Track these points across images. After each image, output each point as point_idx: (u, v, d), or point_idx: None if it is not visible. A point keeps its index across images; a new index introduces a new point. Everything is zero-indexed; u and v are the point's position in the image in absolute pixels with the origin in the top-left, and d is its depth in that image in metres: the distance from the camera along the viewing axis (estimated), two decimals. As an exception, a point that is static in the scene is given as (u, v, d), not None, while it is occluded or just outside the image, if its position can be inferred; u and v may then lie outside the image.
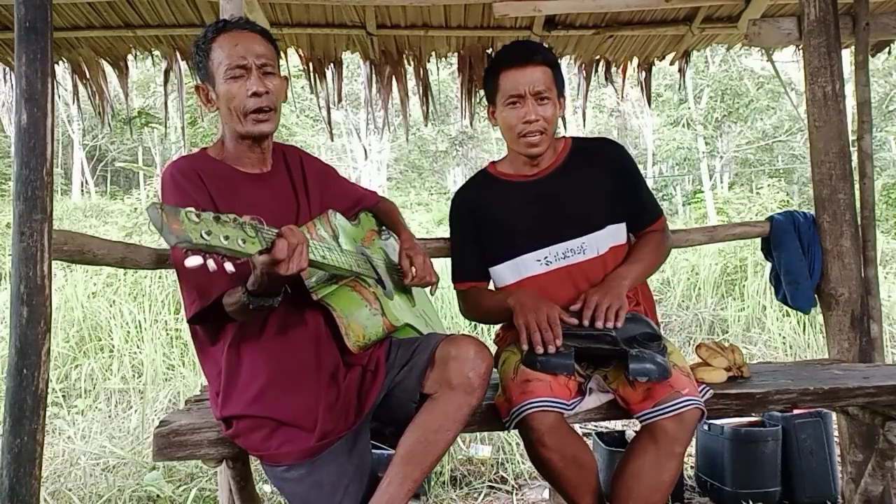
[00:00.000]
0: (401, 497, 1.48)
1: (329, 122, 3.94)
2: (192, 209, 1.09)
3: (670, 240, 2.02)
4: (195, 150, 1.68)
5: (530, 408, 1.59)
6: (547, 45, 3.60)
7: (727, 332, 5.30)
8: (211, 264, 1.13)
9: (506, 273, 1.91)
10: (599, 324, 1.66)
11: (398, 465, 1.49)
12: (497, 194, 1.94)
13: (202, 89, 1.58)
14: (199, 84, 1.59)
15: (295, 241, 1.25)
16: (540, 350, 1.63)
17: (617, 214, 1.90)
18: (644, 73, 3.92)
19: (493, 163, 2.04)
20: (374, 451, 1.64)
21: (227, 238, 1.11)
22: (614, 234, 1.90)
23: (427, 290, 1.86)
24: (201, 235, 1.08)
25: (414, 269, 1.70)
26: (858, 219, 2.48)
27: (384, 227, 1.87)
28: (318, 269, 1.52)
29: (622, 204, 1.91)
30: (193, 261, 1.10)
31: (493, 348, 1.90)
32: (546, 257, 1.87)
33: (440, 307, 4.99)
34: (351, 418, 1.54)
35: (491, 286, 2.02)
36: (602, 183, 1.89)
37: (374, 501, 1.47)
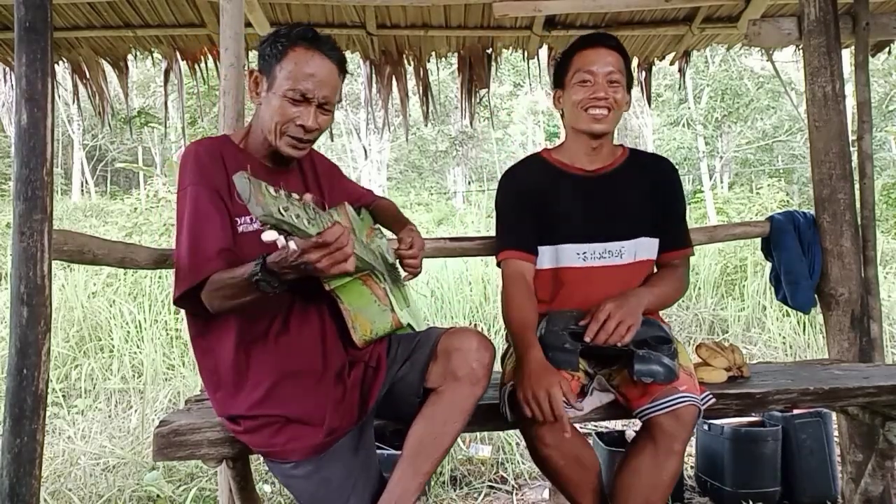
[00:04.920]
0: (413, 490, 1.49)
1: (329, 122, 3.93)
2: (269, 185, 1.09)
3: (688, 280, 1.99)
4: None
5: None
6: (549, 46, 3.65)
7: (727, 332, 5.29)
8: (281, 241, 1.12)
9: (543, 258, 1.89)
10: (602, 339, 1.62)
11: (409, 459, 1.50)
12: (551, 181, 1.91)
13: (257, 78, 1.54)
14: (257, 72, 1.55)
15: (345, 240, 1.18)
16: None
17: (655, 229, 1.90)
18: (644, 73, 3.92)
19: (548, 150, 2.00)
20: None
21: (297, 217, 1.12)
22: (649, 248, 1.90)
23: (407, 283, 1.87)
24: (279, 210, 1.09)
25: (412, 249, 1.70)
26: (858, 219, 2.48)
27: (378, 226, 1.87)
28: None
29: (662, 221, 1.91)
30: (270, 235, 1.10)
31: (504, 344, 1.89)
32: (585, 252, 1.85)
33: (439, 307, 5.01)
34: (355, 415, 1.55)
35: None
36: (650, 195, 1.89)
37: (387, 496, 1.49)
